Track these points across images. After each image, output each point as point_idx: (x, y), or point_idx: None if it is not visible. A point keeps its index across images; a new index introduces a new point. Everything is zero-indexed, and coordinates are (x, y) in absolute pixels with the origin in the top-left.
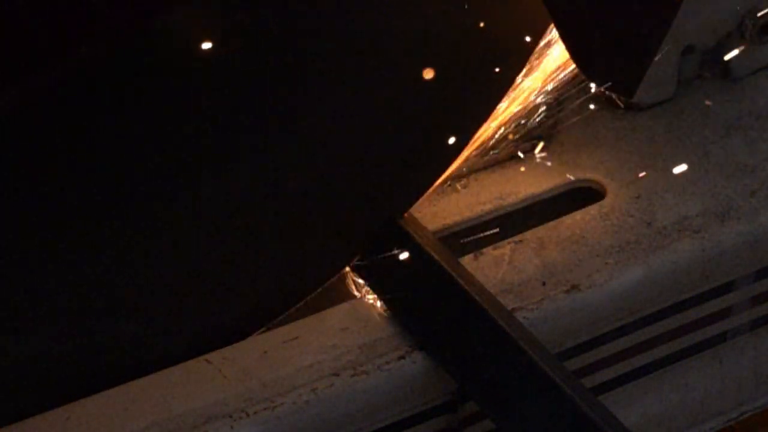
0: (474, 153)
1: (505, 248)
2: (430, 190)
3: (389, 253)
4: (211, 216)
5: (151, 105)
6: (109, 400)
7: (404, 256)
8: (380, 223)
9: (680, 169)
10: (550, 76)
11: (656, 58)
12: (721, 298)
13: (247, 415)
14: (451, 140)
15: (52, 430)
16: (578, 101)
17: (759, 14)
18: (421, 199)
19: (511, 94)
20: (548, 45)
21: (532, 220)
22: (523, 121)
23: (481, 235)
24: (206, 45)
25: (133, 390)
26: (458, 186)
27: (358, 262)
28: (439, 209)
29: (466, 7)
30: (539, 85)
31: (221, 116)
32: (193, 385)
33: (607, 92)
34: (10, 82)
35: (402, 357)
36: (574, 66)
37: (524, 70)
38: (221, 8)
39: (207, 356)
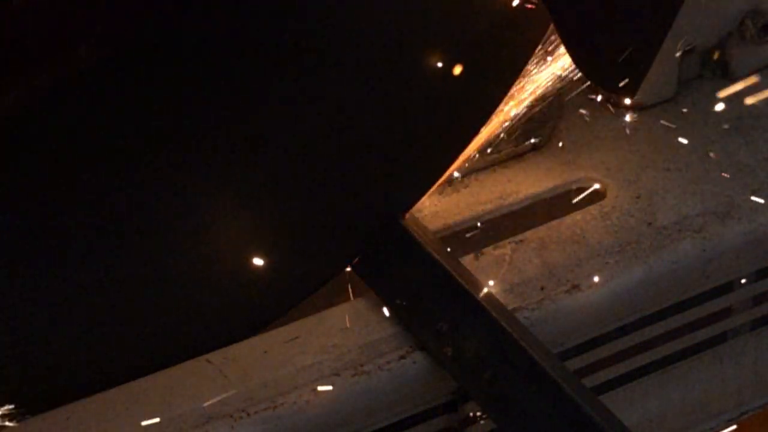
0: (475, 153)
1: (506, 248)
2: (431, 189)
3: (390, 253)
4: (210, 216)
5: (152, 97)
6: (109, 400)
7: (405, 255)
8: (381, 223)
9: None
10: (550, 76)
11: (656, 58)
12: (721, 298)
13: (248, 414)
14: (453, 140)
15: (52, 430)
16: (578, 101)
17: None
18: (421, 199)
19: (513, 94)
20: (549, 45)
21: (532, 220)
22: (523, 121)
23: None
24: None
25: (133, 390)
26: (459, 186)
27: (358, 262)
28: (439, 209)
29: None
30: (540, 85)
31: (220, 112)
32: (194, 385)
33: (607, 92)
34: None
35: (402, 357)
36: (575, 66)
37: (525, 71)
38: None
39: (208, 356)
